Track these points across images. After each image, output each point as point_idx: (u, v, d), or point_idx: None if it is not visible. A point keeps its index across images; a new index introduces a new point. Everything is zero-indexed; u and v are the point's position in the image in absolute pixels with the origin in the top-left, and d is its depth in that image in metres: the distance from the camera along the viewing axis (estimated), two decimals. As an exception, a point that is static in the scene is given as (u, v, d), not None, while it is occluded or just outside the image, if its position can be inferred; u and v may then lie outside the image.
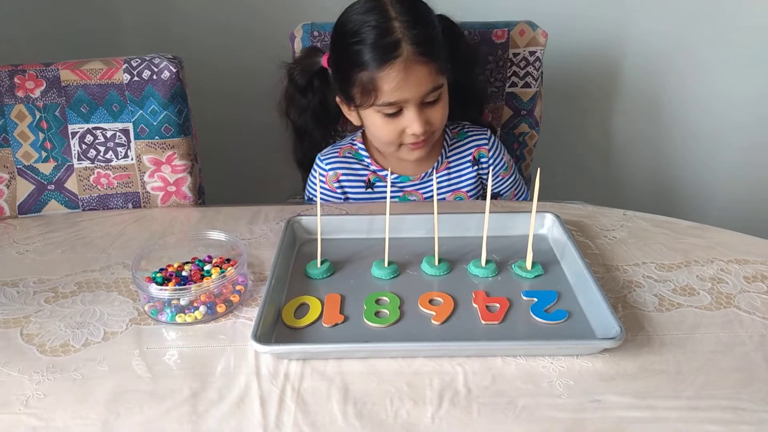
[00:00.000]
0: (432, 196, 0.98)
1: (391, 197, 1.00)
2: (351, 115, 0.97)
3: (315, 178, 1.06)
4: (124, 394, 0.60)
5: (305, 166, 1.11)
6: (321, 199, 1.07)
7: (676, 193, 1.63)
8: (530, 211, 0.77)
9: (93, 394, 0.60)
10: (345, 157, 1.03)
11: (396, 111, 0.90)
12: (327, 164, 1.03)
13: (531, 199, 0.76)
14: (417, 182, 1.02)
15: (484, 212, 0.76)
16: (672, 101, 1.52)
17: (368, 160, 1.02)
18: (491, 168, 1.03)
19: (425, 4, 0.93)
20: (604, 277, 0.77)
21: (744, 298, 0.73)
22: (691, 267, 0.79)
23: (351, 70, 0.90)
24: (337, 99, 0.98)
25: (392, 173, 1.01)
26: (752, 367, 0.63)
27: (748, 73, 1.48)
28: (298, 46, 1.11)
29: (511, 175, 1.06)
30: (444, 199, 1.03)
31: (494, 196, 1.05)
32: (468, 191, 1.03)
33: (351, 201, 1.05)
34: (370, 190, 1.03)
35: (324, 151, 1.05)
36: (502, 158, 1.04)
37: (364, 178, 1.03)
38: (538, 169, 0.75)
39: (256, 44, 1.42)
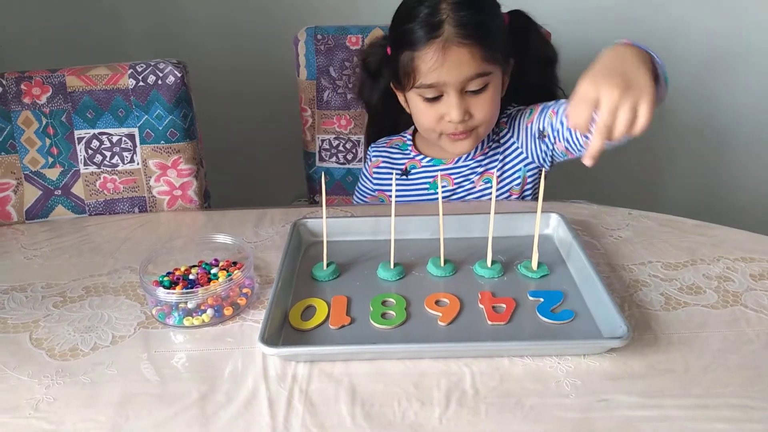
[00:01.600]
0: (463, 180, 1.00)
1: (422, 184, 1.02)
2: (402, 101, 0.97)
3: (365, 171, 1.08)
4: (132, 398, 0.60)
5: (369, 142, 1.12)
6: (365, 189, 1.09)
7: (681, 192, 1.63)
8: (535, 212, 0.77)
9: (102, 397, 0.61)
10: (392, 147, 1.05)
11: (436, 95, 0.89)
12: (373, 151, 1.06)
13: (536, 199, 0.76)
14: (450, 165, 1.00)
15: (489, 213, 0.76)
16: (676, 100, 1.52)
17: (410, 148, 1.03)
18: (521, 127, 0.97)
19: None
20: (610, 276, 0.77)
21: (751, 296, 0.73)
22: (697, 265, 0.79)
23: (398, 51, 0.90)
24: (392, 84, 0.97)
25: (427, 157, 1.01)
26: (760, 365, 0.62)
27: (755, 72, 1.48)
28: (301, 49, 1.12)
29: (543, 108, 0.96)
30: (483, 181, 0.99)
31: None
32: (500, 172, 0.98)
33: (384, 190, 1.05)
34: (405, 177, 1.02)
35: (378, 140, 1.07)
36: (521, 111, 0.98)
37: (402, 167, 1.03)
38: (543, 170, 0.75)
39: (260, 48, 1.42)
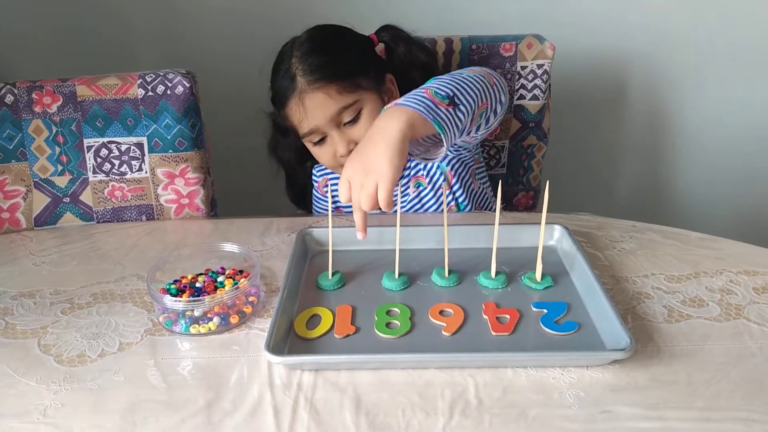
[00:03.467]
0: (405, 189, 1.01)
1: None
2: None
3: (316, 191, 1.09)
4: (139, 404, 0.61)
5: (299, 203, 1.15)
6: (316, 209, 1.09)
7: (686, 205, 1.63)
8: (539, 223, 0.77)
9: (109, 403, 0.61)
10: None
11: (321, 138, 0.93)
12: (318, 171, 1.07)
13: (541, 211, 0.76)
14: (412, 167, 1.02)
15: (494, 224, 0.77)
16: (680, 112, 1.53)
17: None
18: None
19: (339, 29, 0.96)
20: (614, 288, 0.77)
21: (754, 310, 0.73)
22: (700, 278, 0.79)
23: (277, 111, 0.96)
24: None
25: None
26: (763, 378, 0.63)
27: (759, 81, 1.48)
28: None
29: None
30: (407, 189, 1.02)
31: None
32: (427, 175, 1.01)
33: (338, 205, 1.05)
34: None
35: (315, 166, 1.08)
36: None
37: None
38: (547, 181, 0.76)
39: (269, 58, 1.44)
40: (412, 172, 1.02)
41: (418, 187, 1.02)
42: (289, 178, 1.12)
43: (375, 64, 0.96)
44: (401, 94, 0.94)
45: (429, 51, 1.05)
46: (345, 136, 0.92)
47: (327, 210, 1.05)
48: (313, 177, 1.08)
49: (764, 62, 1.46)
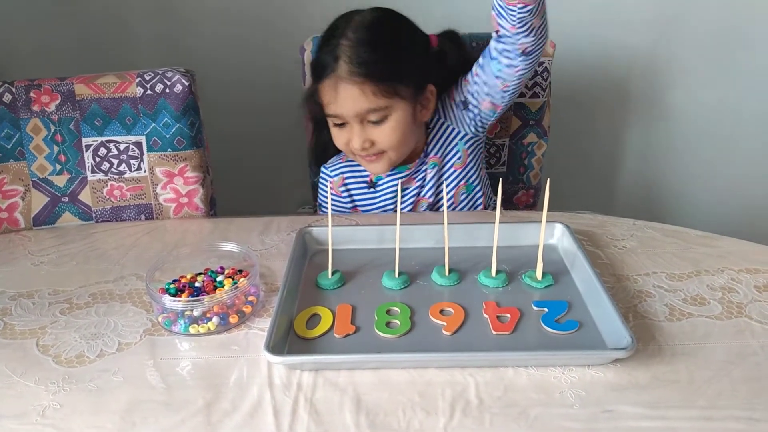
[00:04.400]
0: (426, 183, 1.02)
1: (389, 193, 1.03)
2: None
3: (324, 188, 1.08)
4: (138, 405, 0.61)
5: (318, 161, 1.12)
6: (332, 208, 1.09)
7: (686, 203, 1.63)
8: (540, 221, 0.77)
9: (108, 404, 0.61)
10: (348, 161, 1.05)
11: (342, 123, 0.94)
12: (332, 170, 1.06)
13: (541, 209, 0.76)
14: (413, 169, 1.02)
15: (494, 222, 0.76)
16: (680, 110, 1.52)
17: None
18: (446, 107, 1.01)
19: (399, 26, 0.95)
20: (615, 287, 0.77)
21: (755, 308, 0.73)
22: (701, 276, 0.79)
23: (312, 80, 0.96)
24: None
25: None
26: (765, 376, 0.62)
27: (758, 81, 1.48)
28: (308, 58, 1.12)
29: (458, 80, 1.01)
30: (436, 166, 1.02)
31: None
32: (458, 154, 1.02)
33: (356, 203, 1.06)
34: (372, 189, 1.04)
35: (329, 161, 1.07)
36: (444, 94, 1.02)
37: (367, 178, 1.04)
38: (548, 179, 0.76)
39: (267, 57, 1.43)
40: (433, 154, 1.02)
41: (432, 168, 1.02)
42: (315, 132, 1.10)
43: (421, 71, 0.95)
44: (438, 96, 0.97)
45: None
46: (365, 133, 0.93)
47: (339, 210, 1.06)
48: (323, 175, 1.07)
49: (765, 60, 1.45)
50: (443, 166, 1.03)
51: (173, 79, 0.98)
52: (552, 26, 1.16)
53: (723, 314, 0.72)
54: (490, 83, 0.94)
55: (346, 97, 0.90)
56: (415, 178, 1.03)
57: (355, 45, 0.89)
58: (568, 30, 1.29)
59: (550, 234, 0.86)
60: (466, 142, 1.02)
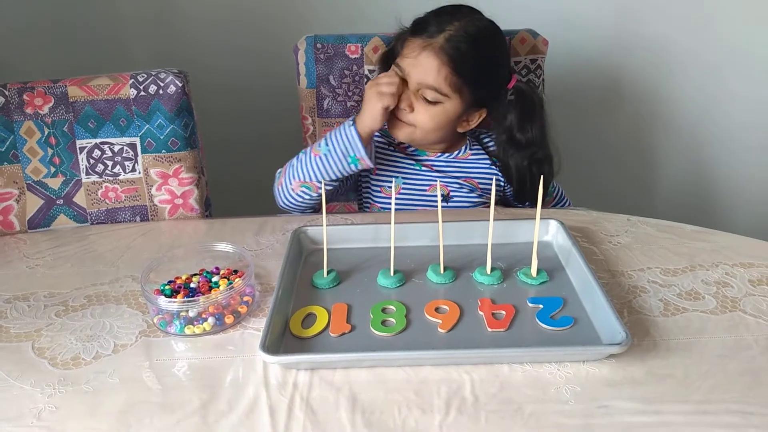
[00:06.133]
0: (444, 174, 1.03)
1: (408, 163, 1.06)
2: None
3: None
4: (134, 406, 0.61)
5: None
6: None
7: (680, 198, 1.63)
8: (534, 218, 0.77)
9: (104, 406, 0.61)
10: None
11: (402, 78, 0.96)
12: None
13: (535, 206, 0.76)
14: (433, 158, 1.06)
15: (489, 219, 0.77)
16: (674, 106, 1.53)
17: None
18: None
19: (495, 45, 0.98)
20: (609, 282, 0.77)
21: (749, 302, 0.73)
22: (696, 271, 0.79)
23: (408, 29, 0.99)
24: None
25: (411, 147, 1.06)
26: (759, 370, 0.63)
27: (752, 75, 1.48)
28: (301, 58, 1.12)
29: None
30: (455, 182, 1.05)
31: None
32: (480, 183, 1.05)
33: (376, 154, 1.06)
34: (392, 148, 1.07)
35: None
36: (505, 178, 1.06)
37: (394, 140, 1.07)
38: (541, 176, 0.76)
39: (260, 56, 1.43)
40: (468, 175, 1.06)
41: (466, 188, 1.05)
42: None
43: (489, 93, 0.99)
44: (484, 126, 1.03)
45: (545, 148, 1.04)
46: (411, 101, 0.96)
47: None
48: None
49: (760, 58, 1.46)
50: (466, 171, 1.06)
51: (166, 81, 0.98)
52: (545, 24, 1.16)
53: (717, 309, 0.72)
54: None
55: (424, 64, 0.93)
56: (435, 165, 1.06)
57: (462, 33, 0.93)
58: (561, 27, 1.29)
59: (544, 231, 0.86)
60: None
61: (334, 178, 0.97)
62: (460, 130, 1.02)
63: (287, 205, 1.02)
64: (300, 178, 0.98)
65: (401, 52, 0.97)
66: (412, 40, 0.95)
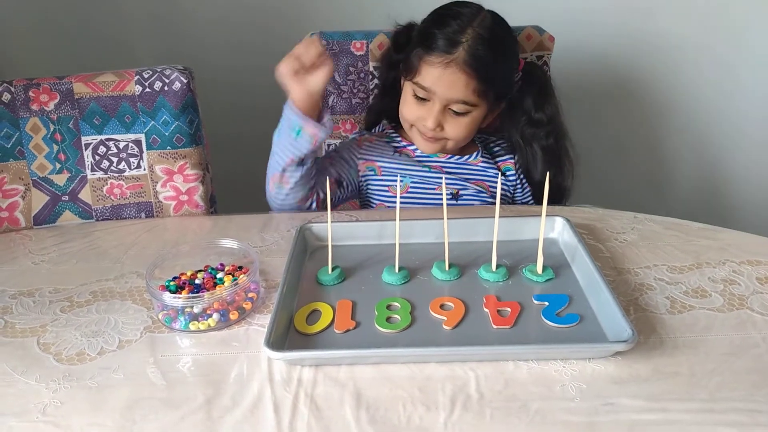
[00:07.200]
0: (454, 176, 1.04)
1: (416, 165, 1.06)
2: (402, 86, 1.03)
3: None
4: (139, 402, 0.61)
5: (369, 126, 1.16)
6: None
7: (689, 195, 1.62)
8: (540, 215, 0.77)
9: (109, 401, 0.61)
10: (379, 138, 1.09)
11: (425, 98, 0.96)
12: (357, 133, 1.12)
13: (541, 203, 0.76)
14: (443, 159, 1.06)
15: (494, 217, 0.76)
16: (682, 102, 1.52)
17: (398, 138, 1.08)
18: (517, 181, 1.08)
19: (512, 40, 1.00)
20: (616, 280, 0.77)
21: (757, 300, 0.72)
22: (702, 269, 0.78)
23: (416, 43, 0.98)
24: (401, 66, 1.03)
25: (418, 150, 1.06)
26: (766, 369, 0.62)
27: (763, 70, 1.47)
28: (306, 54, 1.12)
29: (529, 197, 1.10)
30: (464, 183, 1.05)
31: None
32: (491, 186, 1.05)
33: (373, 161, 1.06)
34: (397, 155, 1.07)
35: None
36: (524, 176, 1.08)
37: (395, 147, 1.08)
38: (548, 173, 0.75)
39: (265, 53, 1.43)
40: (479, 178, 1.06)
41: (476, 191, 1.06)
42: (379, 97, 1.13)
43: (509, 85, 1.01)
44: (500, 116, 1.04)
45: (556, 112, 1.06)
46: (441, 117, 0.97)
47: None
48: (354, 137, 1.10)
49: (766, 54, 1.45)
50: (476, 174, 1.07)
51: (172, 77, 0.98)
52: (551, 20, 1.16)
53: (724, 306, 0.71)
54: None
55: (449, 81, 0.93)
56: (444, 167, 1.06)
57: (480, 39, 0.93)
58: (567, 23, 1.29)
59: (550, 228, 0.86)
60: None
61: (294, 158, 0.93)
62: (483, 126, 1.03)
63: (277, 207, 1.01)
64: (271, 173, 0.98)
65: (418, 70, 0.96)
66: (428, 60, 0.94)
